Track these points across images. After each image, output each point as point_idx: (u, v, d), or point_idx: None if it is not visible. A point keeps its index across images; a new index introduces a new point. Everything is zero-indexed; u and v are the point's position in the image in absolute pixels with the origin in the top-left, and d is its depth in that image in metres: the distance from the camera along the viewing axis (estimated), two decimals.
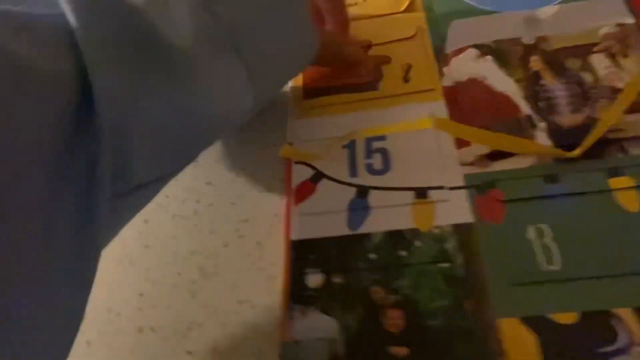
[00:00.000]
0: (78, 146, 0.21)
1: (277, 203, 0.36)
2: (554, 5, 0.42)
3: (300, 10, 0.33)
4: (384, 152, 0.36)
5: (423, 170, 0.35)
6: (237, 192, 0.38)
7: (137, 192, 0.25)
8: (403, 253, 0.32)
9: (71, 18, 0.22)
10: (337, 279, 0.31)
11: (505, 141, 0.34)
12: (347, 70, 0.42)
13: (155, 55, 0.24)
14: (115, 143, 0.22)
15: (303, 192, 0.36)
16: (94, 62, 0.21)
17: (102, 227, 0.22)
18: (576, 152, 0.32)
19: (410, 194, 0.34)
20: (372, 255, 0.32)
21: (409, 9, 0.46)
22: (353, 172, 0.36)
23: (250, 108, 0.30)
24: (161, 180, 0.27)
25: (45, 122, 0.20)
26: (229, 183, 0.38)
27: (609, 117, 0.34)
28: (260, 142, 0.40)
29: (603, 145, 0.34)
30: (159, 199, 0.38)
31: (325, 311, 0.30)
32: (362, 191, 0.35)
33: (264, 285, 0.33)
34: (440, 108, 0.38)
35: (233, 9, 0.28)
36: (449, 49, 0.41)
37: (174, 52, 0.25)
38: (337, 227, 0.34)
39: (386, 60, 0.42)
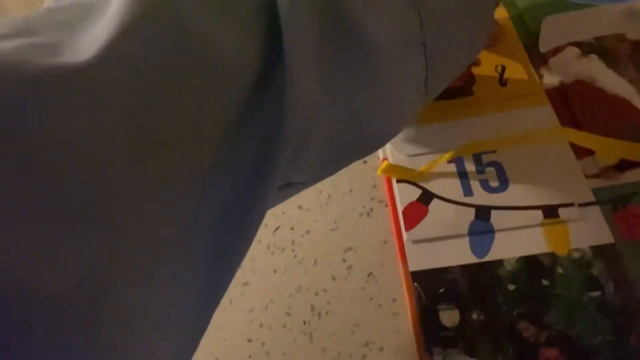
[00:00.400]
0: (243, 140, 0.19)
1: (382, 228, 0.33)
2: None
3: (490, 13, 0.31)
4: (497, 166, 0.33)
5: (545, 185, 0.32)
6: (334, 216, 0.35)
7: (281, 191, 0.23)
8: (545, 282, 0.29)
9: None
10: (475, 315, 0.28)
11: (635, 150, 0.31)
12: None
13: (353, 52, 0.21)
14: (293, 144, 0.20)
15: (413, 215, 0.32)
16: (295, 61, 0.19)
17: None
18: None
19: (538, 213, 0.31)
20: (511, 286, 0.29)
21: None
22: (467, 190, 0.33)
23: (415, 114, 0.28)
24: (310, 183, 0.25)
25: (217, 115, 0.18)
26: (323, 206, 0.35)
27: None
28: None
29: None
30: None
31: (471, 353, 0.27)
32: (483, 212, 0.32)
33: (389, 324, 0.30)
34: (548, 114, 0.35)
35: (435, 7, 0.25)
36: (544, 47, 0.38)
37: (373, 49, 0.22)
38: (461, 254, 0.31)
39: (476, 61, 0.39)
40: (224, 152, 0.18)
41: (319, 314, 0.31)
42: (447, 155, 0.34)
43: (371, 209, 0.35)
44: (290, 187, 0.23)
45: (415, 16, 0.24)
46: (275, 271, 0.33)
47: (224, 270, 0.19)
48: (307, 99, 0.20)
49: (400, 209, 0.33)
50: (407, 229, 0.32)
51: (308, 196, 0.36)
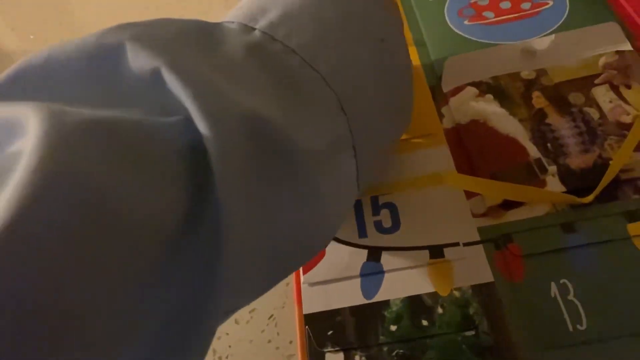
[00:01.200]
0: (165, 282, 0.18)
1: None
2: (549, 34, 0.41)
3: (410, 92, 0.32)
4: (391, 207, 0.35)
5: (435, 225, 0.34)
6: None
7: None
8: (425, 322, 0.30)
9: (202, 128, 0.18)
10: (358, 357, 0.30)
11: (516, 191, 0.33)
12: None
13: (286, 169, 0.22)
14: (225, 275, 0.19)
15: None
16: (226, 196, 0.18)
17: None
18: (589, 198, 0.31)
19: (425, 253, 0.33)
20: (393, 327, 0.30)
21: None
22: (362, 231, 0.34)
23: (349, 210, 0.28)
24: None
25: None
26: None
27: (620, 158, 0.33)
28: None
29: (617, 187, 0.33)
30: None
31: None
32: (374, 253, 0.33)
33: None
34: (444, 154, 0.37)
35: (361, 108, 0.26)
36: (446, 87, 0.40)
37: (305, 162, 0.22)
38: (352, 295, 0.32)
39: None
40: (143, 308, 0.17)
41: (220, 358, 0.32)
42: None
43: None
44: (229, 312, 0.23)
45: (344, 121, 0.25)
46: None
47: None
48: (242, 230, 0.19)
49: None
50: (304, 272, 0.33)
51: None
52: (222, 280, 0.19)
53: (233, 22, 0.25)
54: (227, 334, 0.31)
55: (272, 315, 0.32)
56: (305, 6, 0.26)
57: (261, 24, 0.25)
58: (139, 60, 0.19)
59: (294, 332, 0.32)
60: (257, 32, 0.24)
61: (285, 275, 0.25)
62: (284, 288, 0.33)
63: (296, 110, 0.23)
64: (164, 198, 0.18)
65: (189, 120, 0.19)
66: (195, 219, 0.18)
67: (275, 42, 0.24)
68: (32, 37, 0.55)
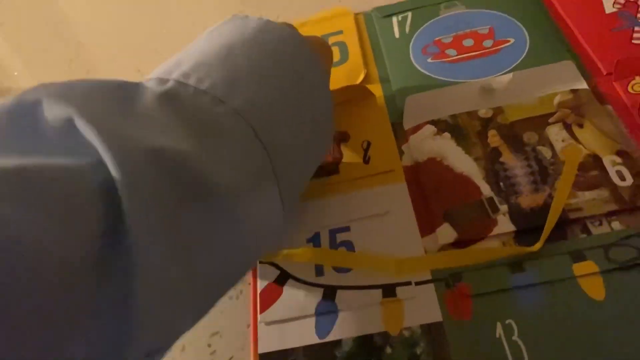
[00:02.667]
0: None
1: (249, 310, 0.35)
2: (508, 72, 0.42)
3: (329, 130, 0.34)
4: (348, 245, 0.36)
5: None
6: None
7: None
8: None
9: (110, 166, 0.19)
10: None
11: (468, 255, 0.33)
12: None
13: (204, 206, 0.23)
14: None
15: (269, 297, 0.35)
16: (140, 240, 0.19)
17: None
18: (537, 246, 0.32)
19: (378, 292, 0.33)
20: None
21: (365, 82, 0.45)
22: (319, 270, 0.35)
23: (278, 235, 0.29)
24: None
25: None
26: None
27: (559, 199, 0.33)
28: None
29: (566, 226, 0.33)
30: None
31: None
32: (329, 292, 0.34)
33: None
34: (402, 191, 0.38)
35: (278, 135, 0.27)
36: (407, 125, 0.41)
37: (226, 196, 0.24)
38: (306, 335, 0.33)
39: (344, 137, 0.42)
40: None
41: None
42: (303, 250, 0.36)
43: (241, 291, 0.37)
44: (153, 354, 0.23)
45: (261, 149, 0.26)
46: None
47: None
48: (157, 266, 0.20)
49: (258, 291, 0.35)
50: (261, 311, 0.34)
51: None
52: (138, 320, 0.19)
53: (151, 79, 0.27)
54: None
55: (232, 357, 0.33)
56: (217, 54, 0.28)
57: (174, 75, 0.27)
58: (53, 111, 0.21)
59: None
60: (170, 82, 0.26)
61: (211, 306, 0.26)
62: (244, 329, 0.33)
63: (210, 144, 0.24)
64: (72, 238, 0.18)
65: (101, 163, 0.20)
66: (107, 260, 0.19)
67: (187, 87, 0.26)
68: (16, 73, 0.57)
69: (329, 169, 0.40)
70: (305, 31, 0.35)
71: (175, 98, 0.25)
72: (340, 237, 0.36)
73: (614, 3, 0.44)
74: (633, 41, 0.41)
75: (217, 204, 0.24)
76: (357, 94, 0.44)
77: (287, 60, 0.30)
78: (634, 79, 0.39)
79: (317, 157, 0.34)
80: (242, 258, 0.27)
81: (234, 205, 0.24)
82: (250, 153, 0.26)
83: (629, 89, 0.38)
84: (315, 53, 0.32)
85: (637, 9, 0.43)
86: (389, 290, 0.33)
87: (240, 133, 0.26)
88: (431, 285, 0.33)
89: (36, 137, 0.20)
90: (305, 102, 0.30)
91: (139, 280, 0.19)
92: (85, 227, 0.18)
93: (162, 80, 0.26)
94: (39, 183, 0.18)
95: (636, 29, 0.42)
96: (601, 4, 0.44)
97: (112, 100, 0.23)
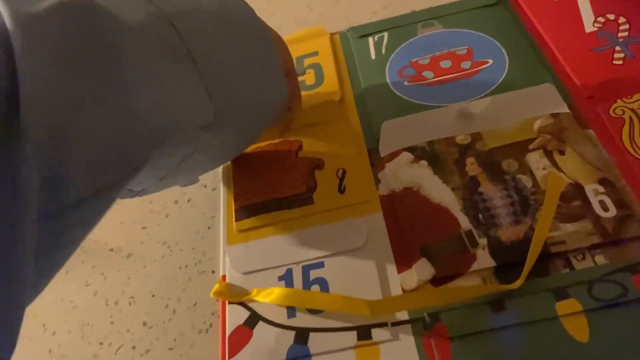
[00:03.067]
0: None
1: (217, 346, 0.34)
2: (486, 96, 0.40)
3: (269, 53, 0.34)
4: (322, 283, 0.34)
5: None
6: (175, 333, 0.35)
7: (78, 209, 0.22)
8: None
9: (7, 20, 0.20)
10: None
11: (450, 294, 0.32)
12: (279, 181, 0.40)
13: (100, 57, 0.23)
14: (44, 154, 0.20)
15: (238, 340, 0.33)
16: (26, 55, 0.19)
17: (32, 257, 0.19)
18: (516, 284, 0.31)
19: (353, 334, 0.32)
20: None
21: (341, 105, 0.44)
22: (291, 311, 0.33)
23: (212, 124, 0.30)
24: (106, 191, 0.24)
25: None
26: (166, 322, 0.36)
27: (540, 235, 0.32)
28: (193, 275, 0.38)
29: (548, 261, 0.32)
30: (92, 346, 0.36)
31: None
32: (301, 335, 0.32)
33: None
34: (378, 223, 0.36)
35: (188, 21, 0.29)
36: (383, 152, 0.39)
37: (122, 55, 0.24)
38: None
39: (319, 164, 0.40)
40: None
41: None
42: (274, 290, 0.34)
43: (210, 325, 0.35)
44: (84, 205, 0.23)
45: (164, 26, 0.27)
46: None
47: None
48: (47, 94, 0.20)
49: (227, 334, 0.33)
50: (230, 357, 0.32)
51: (154, 311, 0.37)
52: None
53: None
54: None
55: None
56: None
57: None
58: None
59: None
60: None
61: (133, 163, 0.25)
62: None
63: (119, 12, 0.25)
64: None
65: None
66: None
67: None
68: None
69: (302, 199, 0.38)
70: None
71: None
72: (314, 273, 0.35)
73: (594, 22, 0.43)
74: (614, 62, 0.40)
75: (120, 64, 0.24)
76: (330, 113, 0.42)
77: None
78: (615, 102, 0.37)
79: (261, 96, 0.35)
80: (149, 126, 0.26)
81: (137, 69, 0.25)
82: (160, 33, 0.27)
83: (611, 113, 0.37)
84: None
85: (618, 28, 0.42)
86: (363, 333, 0.32)
87: (149, 14, 0.27)
88: (408, 326, 0.31)
89: None
90: (240, 34, 0.32)
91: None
92: None
93: None
94: None
95: (617, 49, 0.40)
96: (581, 22, 0.43)
97: None
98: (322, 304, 0.33)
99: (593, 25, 0.43)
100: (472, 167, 0.37)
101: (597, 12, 0.43)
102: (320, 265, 0.35)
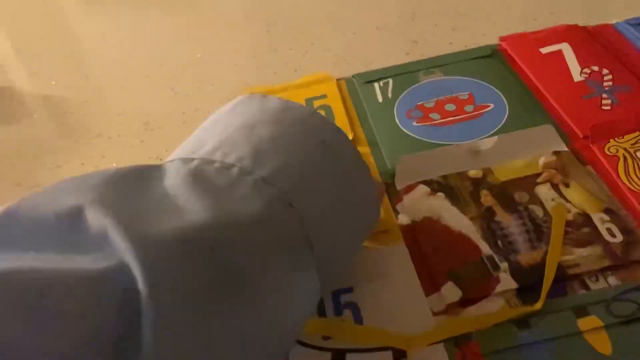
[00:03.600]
0: None
1: None
2: (492, 135, 0.44)
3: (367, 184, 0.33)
4: (354, 307, 0.35)
5: (395, 325, 0.34)
6: None
7: None
8: None
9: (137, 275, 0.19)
10: None
11: (474, 322, 0.34)
12: None
13: (230, 294, 0.22)
14: None
15: None
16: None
17: None
18: (538, 305, 0.33)
19: (389, 354, 0.33)
20: None
21: (353, 144, 0.46)
22: None
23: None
24: None
25: None
26: None
27: (553, 256, 0.35)
28: None
29: (565, 282, 0.34)
30: None
31: None
32: (338, 356, 0.33)
33: None
34: (401, 251, 0.38)
35: (313, 200, 0.28)
36: (399, 185, 0.42)
37: (252, 279, 0.23)
38: None
39: None
40: None
41: None
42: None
43: None
44: None
45: (294, 214, 0.26)
46: None
47: None
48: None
49: None
50: None
51: None
52: None
53: (173, 160, 0.27)
54: None
55: None
56: (239, 132, 0.29)
57: (199, 153, 0.27)
58: (90, 216, 0.21)
59: None
60: (195, 161, 0.26)
61: None
62: None
63: (241, 222, 0.24)
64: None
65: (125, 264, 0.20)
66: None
67: (213, 163, 0.26)
68: (53, 83, 0.55)
69: None
70: (287, 95, 0.35)
71: (201, 175, 0.25)
72: (344, 298, 0.36)
73: (581, 72, 0.47)
74: (602, 107, 0.44)
75: (248, 294, 0.23)
76: None
77: (312, 131, 0.31)
78: (609, 141, 0.41)
79: (359, 226, 0.33)
80: (280, 332, 0.26)
81: (265, 292, 0.24)
82: (282, 221, 0.26)
83: (606, 151, 0.41)
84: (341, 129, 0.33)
85: (602, 78, 0.47)
86: (399, 352, 0.33)
87: (269, 197, 0.26)
88: (441, 346, 0.33)
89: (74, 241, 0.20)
90: (336, 170, 0.31)
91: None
92: (98, 336, 0.18)
93: (186, 160, 0.26)
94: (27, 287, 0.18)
95: (604, 96, 0.45)
96: (569, 72, 0.48)
97: (128, 188, 0.23)
98: (360, 337, 0.34)
99: (580, 75, 0.47)
100: (486, 198, 0.39)
101: (583, 64, 0.48)
102: (350, 290, 0.36)
